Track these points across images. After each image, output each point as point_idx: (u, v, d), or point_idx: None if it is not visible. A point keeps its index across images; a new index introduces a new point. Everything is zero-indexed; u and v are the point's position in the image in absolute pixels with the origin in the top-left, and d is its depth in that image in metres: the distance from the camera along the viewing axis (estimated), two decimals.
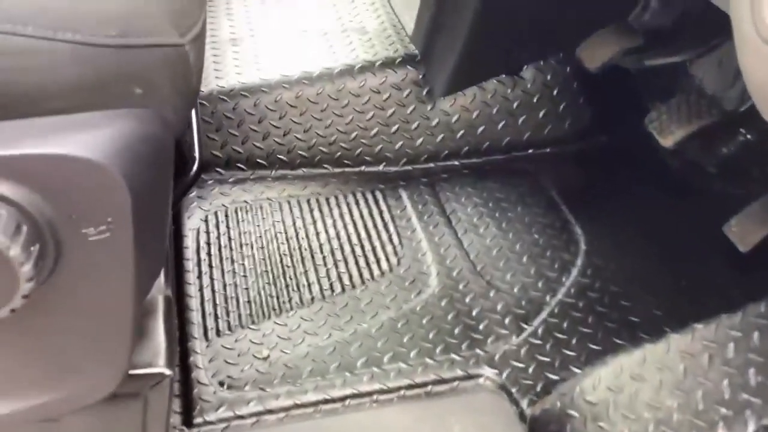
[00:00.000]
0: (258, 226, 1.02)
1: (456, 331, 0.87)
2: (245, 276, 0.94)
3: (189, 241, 0.99)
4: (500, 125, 1.14)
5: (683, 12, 1.08)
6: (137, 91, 0.55)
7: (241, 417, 0.79)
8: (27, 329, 0.57)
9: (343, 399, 0.80)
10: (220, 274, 0.94)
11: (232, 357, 0.84)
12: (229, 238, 1.00)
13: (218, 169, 1.10)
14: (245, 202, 1.06)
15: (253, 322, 0.88)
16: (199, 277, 0.94)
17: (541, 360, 0.83)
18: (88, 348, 0.60)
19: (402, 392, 0.81)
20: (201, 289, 0.92)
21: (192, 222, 1.02)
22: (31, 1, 0.54)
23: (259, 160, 1.11)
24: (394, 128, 1.12)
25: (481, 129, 1.14)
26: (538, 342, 0.86)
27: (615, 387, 0.72)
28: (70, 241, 0.54)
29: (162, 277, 0.73)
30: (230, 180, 1.09)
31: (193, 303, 0.90)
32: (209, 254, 0.97)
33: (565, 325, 0.88)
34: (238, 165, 1.10)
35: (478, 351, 0.85)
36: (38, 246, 0.52)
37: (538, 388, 0.80)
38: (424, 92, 1.12)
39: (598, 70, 1.08)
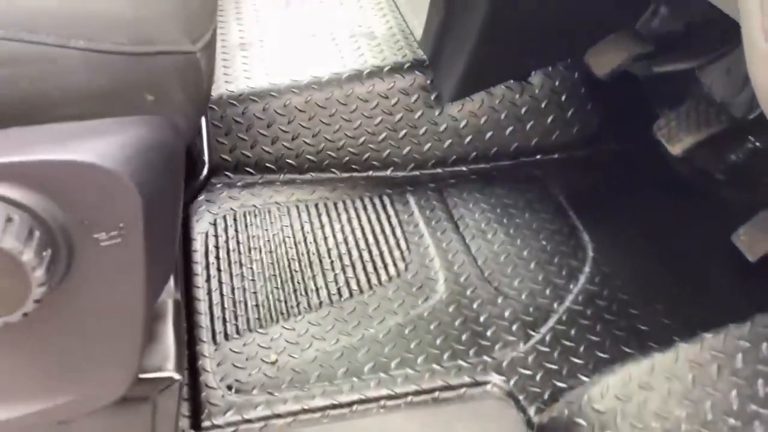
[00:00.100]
0: (266, 230, 1.02)
1: (463, 337, 0.88)
2: (253, 280, 0.95)
3: (198, 245, 0.99)
4: (508, 131, 1.15)
5: (692, 18, 1.08)
6: (149, 98, 0.55)
7: (249, 421, 0.79)
8: (39, 333, 0.58)
9: (350, 404, 0.81)
10: (228, 278, 0.95)
11: (241, 361, 0.85)
12: (238, 242, 1.00)
13: (227, 173, 1.10)
14: (254, 206, 1.06)
15: (261, 326, 0.89)
16: (208, 280, 0.94)
17: (548, 367, 0.83)
18: (98, 352, 0.60)
19: (409, 398, 0.81)
20: (209, 292, 0.93)
21: (201, 225, 1.02)
22: (45, 9, 0.54)
23: (267, 164, 1.11)
24: (402, 133, 1.12)
25: (489, 134, 1.14)
26: (546, 349, 0.86)
27: (623, 396, 0.72)
28: (82, 246, 0.54)
29: (171, 281, 0.73)
30: (239, 184, 1.10)
31: (202, 306, 0.91)
32: (218, 258, 0.98)
33: (572, 332, 0.88)
34: (247, 169, 1.11)
35: (485, 358, 0.85)
36: (50, 251, 0.52)
37: (546, 396, 0.80)
38: (432, 97, 1.13)
39: (606, 76, 1.08)
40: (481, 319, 0.90)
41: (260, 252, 0.99)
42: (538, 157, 1.16)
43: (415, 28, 1.21)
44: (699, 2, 0.86)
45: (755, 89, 0.49)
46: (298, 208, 1.06)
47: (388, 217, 1.05)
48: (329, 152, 1.12)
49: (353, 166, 1.13)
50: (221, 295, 0.92)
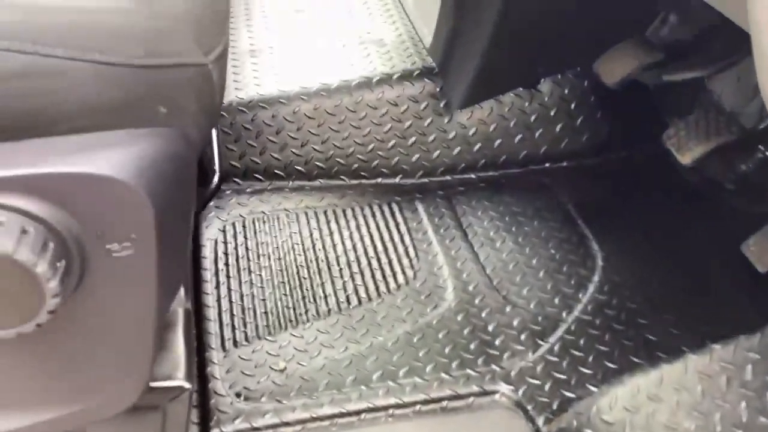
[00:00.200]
0: (275, 237, 1.03)
1: (472, 346, 0.88)
2: (262, 287, 0.95)
3: (207, 251, 1.00)
4: (517, 138, 1.15)
5: (702, 27, 1.08)
6: (162, 110, 0.56)
7: (258, 429, 0.79)
8: (51, 342, 0.58)
9: (358, 413, 0.81)
10: (237, 285, 0.95)
11: (249, 368, 0.85)
12: (247, 249, 1.00)
13: (236, 180, 1.11)
14: (263, 212, 1.07)
15: (269, 334, 0.89)
16: (217, 287, 0.95)
17: (557, 377, 0.83)
18: (110, 361, 0.61)
19: (418, 407, 0.82)
20: (219, 299, 0.93)
21: (210, 232, 1.03)
22: (57, 22, 0.55)
23: (276, 171, 1.11)
24: (411, 141, 1.13)
25: (497, 142, 1.14)
26: (555, 359, 0.86)
27: (632, 407, 0.72)
28: (95, 257, 0.55)
29: (182, 290, 0.73)
30: (248, 190, 1.10)
31: (211, 313, 0.91)
32: (227, 264, 0.98)
33: (581, 342, 0.88)
34: (256, 175, 1.11)
35: (494, 367, 0.85)
36: (64, 262, 0.52)
37: (555, 406, 0.80)
38: (441, 105, 1.13)
39: (616, 85, 1.08)
40: (490, 327, 0.90)
41: (269, 259, 0.99)
42: (547, 165, 1.15)
43: (424, 36, 1.21)
44: (709, 11, 0.86)
45: (765, 99, 0.49)
46: (306, 214, 1.06)
47: (397, 225, 1.05)
48: (338, 159, 1.12)
49: (362, 173, 1.13)
50: (230, 302, 0.93)
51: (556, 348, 0.87)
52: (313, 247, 1.01)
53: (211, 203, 1.06)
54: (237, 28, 1.26)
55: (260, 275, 0.97)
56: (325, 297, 0.94)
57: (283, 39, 1.23)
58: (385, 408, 0.81)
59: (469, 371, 0.85)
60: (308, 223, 1.05)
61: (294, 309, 0.92)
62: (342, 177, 1.13)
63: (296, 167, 1.12)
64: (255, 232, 1.03)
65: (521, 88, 1.14)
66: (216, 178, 0.99)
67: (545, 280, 0.96)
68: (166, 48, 0.57)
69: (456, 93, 1.12)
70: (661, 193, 1.10)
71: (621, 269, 0.97)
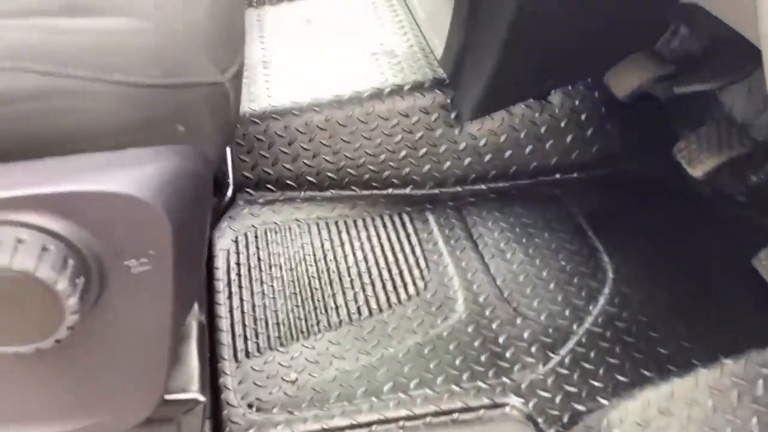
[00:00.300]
0: (287, 247, 1.04)
1: (482, 358, 0.88)
2: (274, 298, 0.96)
3: (219, 262, 1.01)
4: (527, 149, 1.15)
5: (712, 39, 1.08)
6: (180, 129, 0.57)
7: None
8: (68, 357, 0.59)
9: (369, 425, 0.81)
10: (249, 295, 0.96)
11: (261, 379, 0.86)
12: (259, 259, 1.01)
13: (249, 190, 1.12)
14: (275, 223, 1.07)
15: (281, 345, 0.90)
16: (230, 297, 0.96)
17: (568, 390, 0.84)
18: (126, 374, 0.62)
19: (428, 419, 0.82)
20: (231, 310, 0.94)
21: (222, 242, 1.04)
22: (77, 43, 0.56)
23: (288, 182, 1.12)
24: (422, 151, 1.13)
25: (508, 153, 1.15)
26: (565, 372, 0.86)
27: (642, 421, 0.72)
28: (114, 273, 0.55)
29: (195, 303, 0.74)
30: (260, 201, 1.11)
31: (223, 324, 0.92)
32: (239, 275, 0.99)
33: (592, 355, 0.88)
34: (268, 186, 1.12)
35: (504, 379, 0.85)
36: (83, 279, 0.53)
37: (565, 419, 0.81)
38: (452, 116, 1.13)
39: (626, 97, 1.08)
40: (500, 339, 0.90)
41: (281, 269, 1.00)
42: (558, 176, 1.16)
43: (435, 47, 1.21)
44: (719, 24, 0.86)
45: None
46: (318, 225, 1.07)
47: (408, 236, 1.06)
48: (349, 170, 1.13)
49: (373, 184, 1.14)
50: (242, 312, 0.94)
51: (566, 360, 0.87)
52: (325, 257, 1.02)
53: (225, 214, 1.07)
54: (250, 39, 1.27)
55: (272, 286, 0.98)
56: (336, 308, 0.95)
57: (294, 50, 1.24)
58: (396, 420, 0.82)
59: (479, 383, 0.85)
60: (319, 233, 1.06)
61: (305, 320, 0.93)
62: (353, 187, 1.13)
63: (308, 178, 1.12)
64: (267, 243, 1.04)
65: (532, 100, 1.14)
66: (230, 191, 1.00)
67: (556, 291, 0.97)
68: (184, 67, 0.58)
69: (467, 104, 1.12)
70: (672, 205, 1.10)
71: (631, 281, 0.97)
